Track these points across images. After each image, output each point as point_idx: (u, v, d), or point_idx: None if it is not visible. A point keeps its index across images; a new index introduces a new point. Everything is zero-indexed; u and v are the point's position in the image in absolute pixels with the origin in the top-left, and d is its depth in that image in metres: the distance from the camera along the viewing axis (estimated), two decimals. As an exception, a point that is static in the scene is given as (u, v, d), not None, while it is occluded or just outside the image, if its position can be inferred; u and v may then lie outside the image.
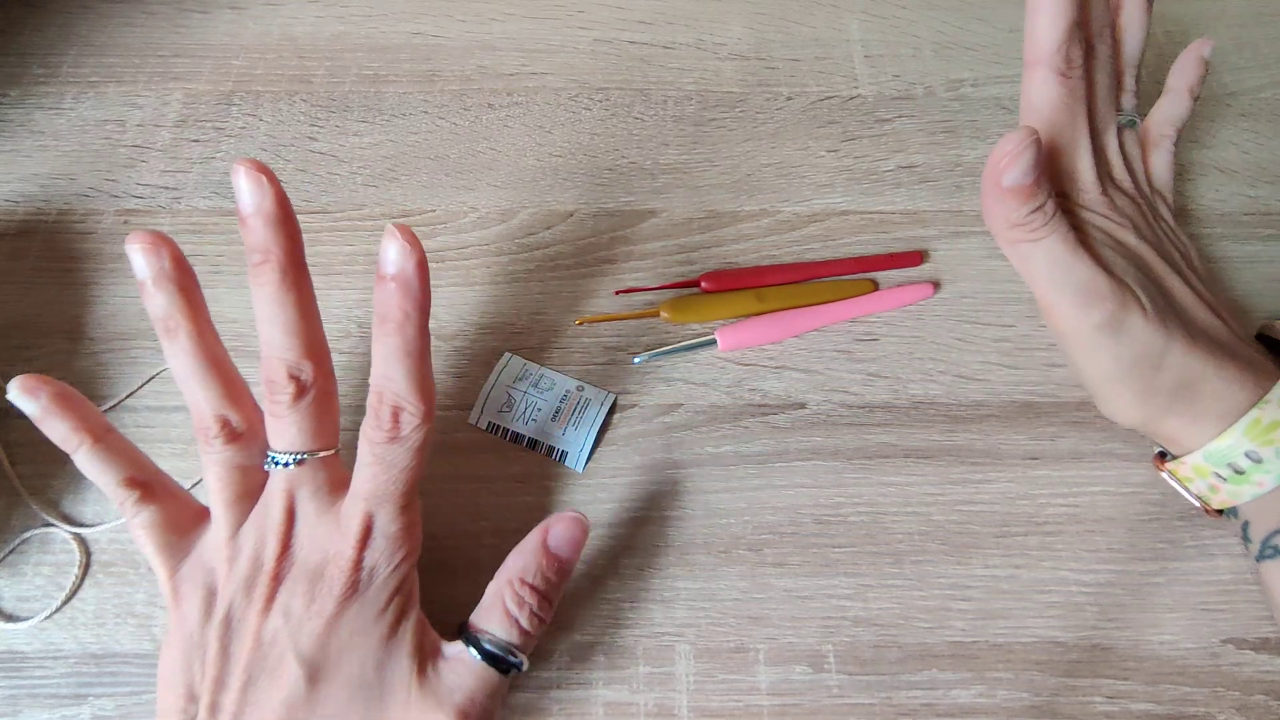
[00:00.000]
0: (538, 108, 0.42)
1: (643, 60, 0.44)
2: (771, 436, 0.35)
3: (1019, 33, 0.45)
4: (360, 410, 0.35)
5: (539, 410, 0.35)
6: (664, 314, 0.37)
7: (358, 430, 0.27)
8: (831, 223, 0.39)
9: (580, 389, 0.35)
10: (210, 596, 0.27)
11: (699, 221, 0.39)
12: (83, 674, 0.31)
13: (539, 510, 0.34)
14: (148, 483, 0.27)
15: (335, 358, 0.36)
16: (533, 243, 0.39)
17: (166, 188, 0.40)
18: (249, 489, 0.28)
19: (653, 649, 0.31)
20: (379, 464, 0.26)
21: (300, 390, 0.27)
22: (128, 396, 0.35)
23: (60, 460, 0.30)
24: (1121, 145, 0.33)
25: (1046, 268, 0.29)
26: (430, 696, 0.26)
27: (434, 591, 0.32)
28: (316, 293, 0.37)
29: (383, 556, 0.27)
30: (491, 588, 0.28)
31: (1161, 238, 0.32)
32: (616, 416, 0.35)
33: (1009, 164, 0.27)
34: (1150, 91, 0.38)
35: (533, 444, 0.34)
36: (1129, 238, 0.31)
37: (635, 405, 0.36)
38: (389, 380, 0.25)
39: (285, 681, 0.25)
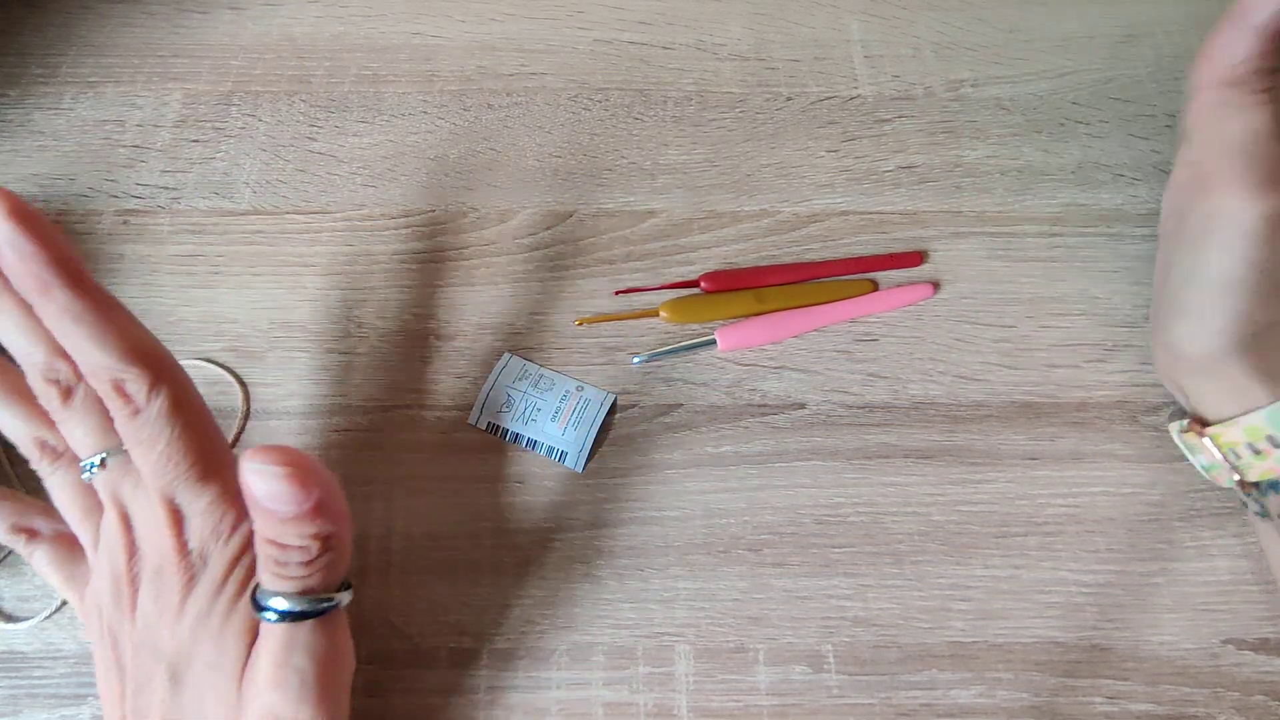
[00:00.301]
0: (537, 108, 0.42)
1: (642, 60, 0.44)
2: (771, 437, 0.35)
3: (1019, 33, 0.45)
4: (359, 410, 0.35)
5: (539, 410, 0.35)
6: (664, 314, 0.37)
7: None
8: (831, 223, 0.40)
9: (580, 389, 0.35)
10: (100, 616, 0.26)
11: (699, 221, 0.39)
12: (83, 674, 0.31)
13: (539, 510, 0.34)
14: (30, 527, 0.28)
15: (335, 358, 0.36)
16: (533, 243, 0.39)
17: (166, 188, 0.40)
18: (97, 503, 0.27)
19: (653, 649, 0.31)
20: (139, 445, 0.24)
21: (65, 391, 0.25)
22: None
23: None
24: None
25: (1242, 136, 0.28)
26: (251, 670, 0.24)
27: (434, 591, 0.32)
28: (317, 293, 0.38)
29: (207, 533, 0.25)
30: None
31: None
32: (616, 416, 0.35)
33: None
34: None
35: (533, 444, 0.34)
36: None
37: (635, 405, 0.36)
38: (82, 356, 0.23)
39: (157, 685, 0.25)
